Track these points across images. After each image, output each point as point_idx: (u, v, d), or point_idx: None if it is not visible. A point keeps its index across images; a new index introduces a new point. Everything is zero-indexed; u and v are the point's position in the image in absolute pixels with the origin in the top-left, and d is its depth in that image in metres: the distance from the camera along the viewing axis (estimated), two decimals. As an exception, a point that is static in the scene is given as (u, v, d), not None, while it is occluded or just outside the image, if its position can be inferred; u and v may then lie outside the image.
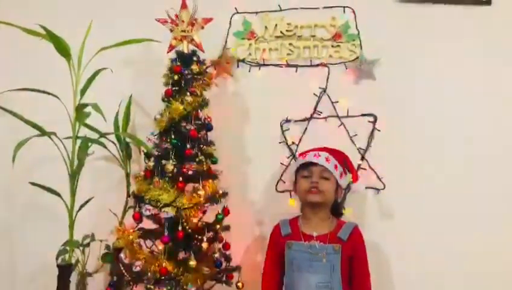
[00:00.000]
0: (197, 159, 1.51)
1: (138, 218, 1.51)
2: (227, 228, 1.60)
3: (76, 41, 1.61)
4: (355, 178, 1.69)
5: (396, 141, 1.84)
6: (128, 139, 1.79)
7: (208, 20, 1.60)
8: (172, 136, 1.51)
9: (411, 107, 1.85)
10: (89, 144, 1.62)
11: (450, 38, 1.85)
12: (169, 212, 1.44)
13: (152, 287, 1.42)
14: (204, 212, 1.57)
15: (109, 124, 1.69)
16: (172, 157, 1.48)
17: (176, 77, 1.54)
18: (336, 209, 1.66)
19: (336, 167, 1.58)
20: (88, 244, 1.68)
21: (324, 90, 1.88)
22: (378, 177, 1.84)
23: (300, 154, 1.70)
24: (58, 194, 1.60)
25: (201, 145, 1.55)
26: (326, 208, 1.60)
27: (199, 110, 1.56)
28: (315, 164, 1.56)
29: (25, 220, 1.92)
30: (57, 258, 1.60)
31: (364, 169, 1.85)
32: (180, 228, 1.44)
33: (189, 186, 1.52)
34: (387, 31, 1.86)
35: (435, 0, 1.85)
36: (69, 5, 1.93)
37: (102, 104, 1.53)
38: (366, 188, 1.84)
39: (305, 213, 1.62)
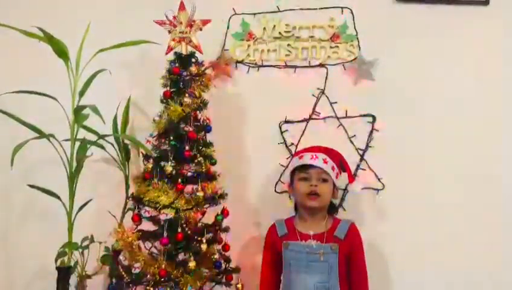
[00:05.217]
0: (196, 161, 1.52)
1: (137, 220, 1.51)
2: (226, 229, 1.59)
3: (75, 43, 1.61)
4: (350, 179, 1.68)
5: (395, 141, 1.84)
6: (127, 141, 1.78)
7: (206, 22, 1.60)
8: (171, 138, 1.51)
9: (410, 107, 1.85)
10: (88, 146, 1.61)
11: (448, 38, 1.86)
12: (169, 213, 1.44)
13: (151, 289, 1.42)
14: (203, 213, 1.57)
15: (108, 126, 1.68)
16: (171, 158, 1.48)
17: (174, 79, 1.54)
18: (332, 208, 1.65)
19: (333, 168, 1.57)
20: (87, 247, 1.67)
21: (322, 91, 1.88)
22: (377, 177, 1.84)
23: (296, 153, 1.69)
24: (57, 196, 1.60)
25: (200, 147, 1.55)
26: (324, 210, 1.60)
27: (198, 112, 1.56)
28: (313, 166, 1.56)
29: (23, 222, 1.91)
30: (56, 261, 1.60)
31: (364, 169, 1.85)
32: (179, 229, 1.44)
33: (188, 188, 1.52)
34: (386, 31, 1.86)
35: (433, 0, 1.86)
36: (67, 6, 1.92)
37: (100, 106, 1.53)
38: (365, 188, 1.84)
39: (301, 214, 1.61)
